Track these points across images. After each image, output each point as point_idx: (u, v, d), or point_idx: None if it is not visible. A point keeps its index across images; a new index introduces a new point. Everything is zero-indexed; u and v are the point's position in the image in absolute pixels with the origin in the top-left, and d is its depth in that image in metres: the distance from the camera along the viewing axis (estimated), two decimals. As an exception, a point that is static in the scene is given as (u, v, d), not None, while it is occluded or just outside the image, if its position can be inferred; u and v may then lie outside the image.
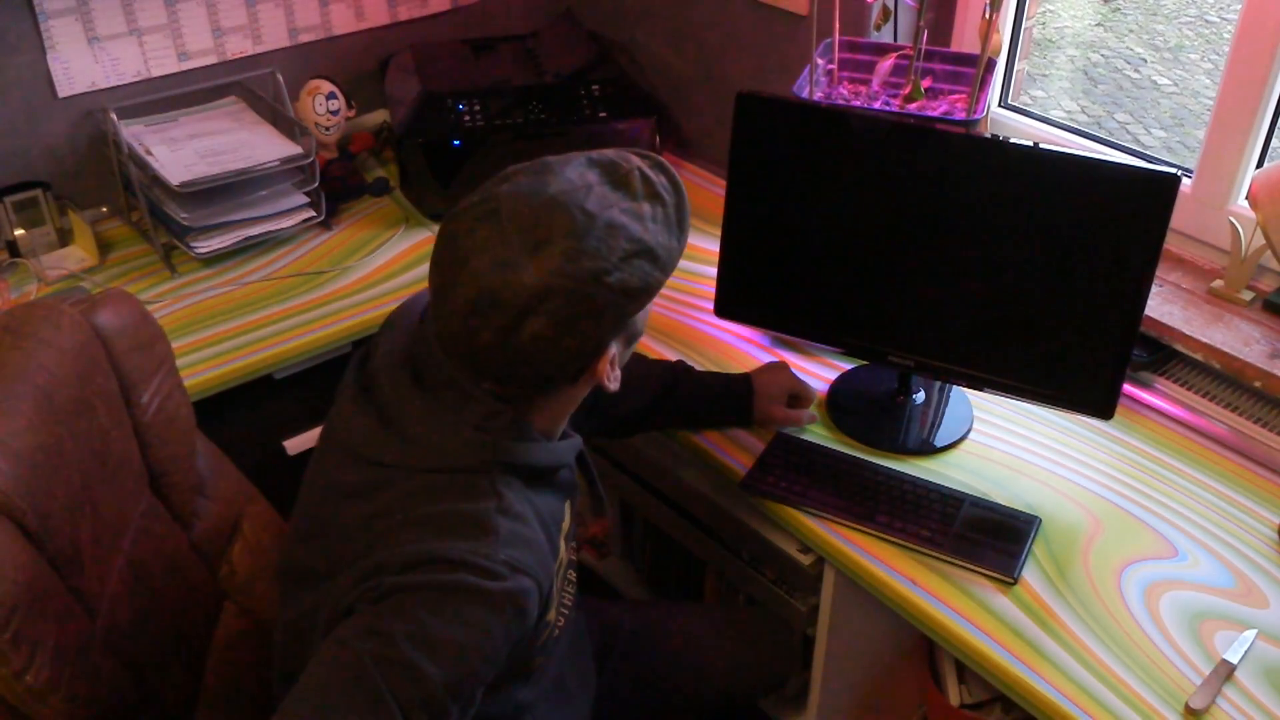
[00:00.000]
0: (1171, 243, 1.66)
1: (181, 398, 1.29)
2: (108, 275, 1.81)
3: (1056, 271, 1.36)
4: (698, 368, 1.56)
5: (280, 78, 1.97)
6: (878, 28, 1.80)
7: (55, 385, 1.09)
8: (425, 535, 0.99)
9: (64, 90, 1.88)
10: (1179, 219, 1.65)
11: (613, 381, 1.09)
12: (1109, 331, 1.36)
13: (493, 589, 0.98)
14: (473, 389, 1.05)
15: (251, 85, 2.04)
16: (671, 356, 1.66)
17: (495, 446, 1.04)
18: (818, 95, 1.69)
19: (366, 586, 0.98)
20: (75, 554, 1.07)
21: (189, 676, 1.24)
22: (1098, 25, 5.64)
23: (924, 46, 1.67)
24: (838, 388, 1.61)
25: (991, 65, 1.65)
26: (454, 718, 0.98)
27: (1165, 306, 1.57)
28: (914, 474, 1.45)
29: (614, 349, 1.07)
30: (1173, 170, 1.27)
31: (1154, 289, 1.53)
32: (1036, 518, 1.38)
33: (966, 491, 1.42)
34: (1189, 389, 1.57)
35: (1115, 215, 1.31)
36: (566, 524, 1.17)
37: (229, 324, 1.71)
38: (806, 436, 1.52)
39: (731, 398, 1.52)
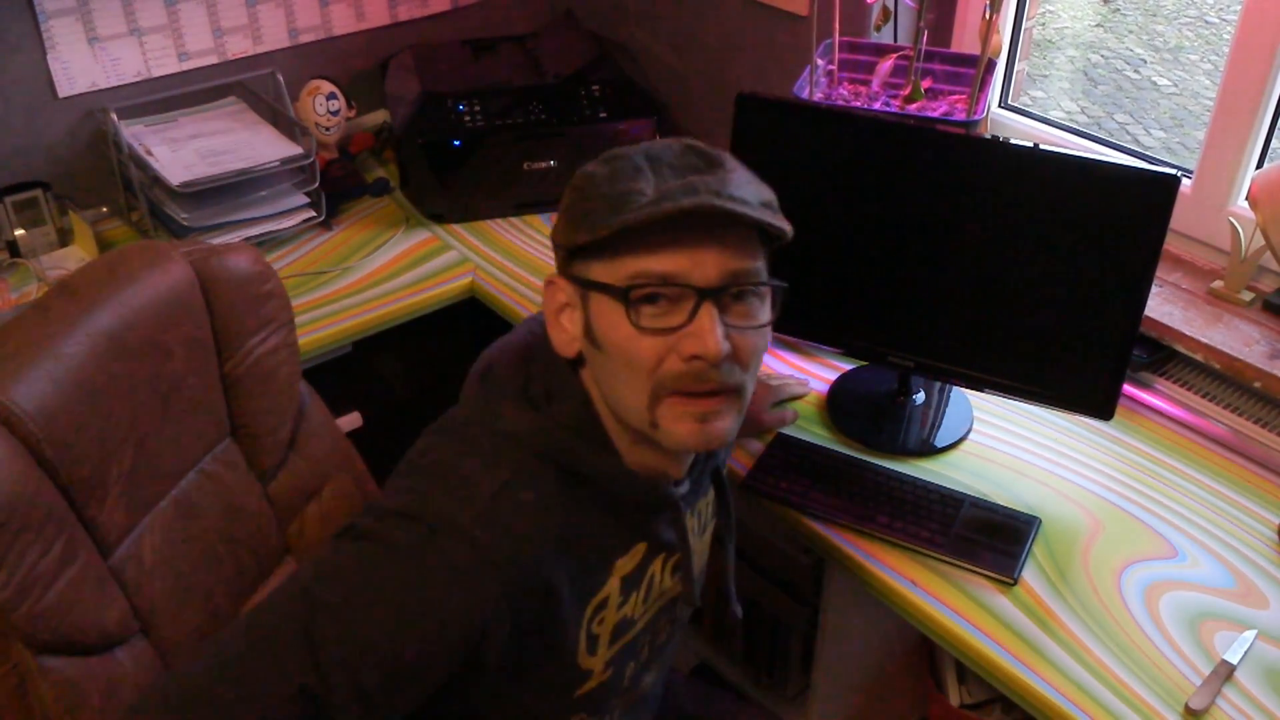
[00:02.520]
0: (1171, 243, 1.66)
1: (287, 355, 1.31)
2: (108, 275, 1.81)
3: (1056, 272, 1.36)
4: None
5: (280, 78, 1.97)
6: (878, 28, 1.80)
7: (129, 324, 1.13)
8: (416, 485, 0.96)
9: (64, 90, 1.88)
10: (1179, 220, 1.65)
11: (558, 336, 0.99)
12: (1109, 332, 1.36)
13: (432, 560, 0.91)
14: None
15: (252, 85, 2.04)
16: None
17: (546, 430, 0.97)
18: (818, 96, 1.69)
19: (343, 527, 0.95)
20: (99, 486, 1.09)
21: (207, 617, 1.24)
22: (1097, 26, 5.65)
23: (924, 47, 1.67)
24: (837, 389, 1.61)
25: (991, 66, 1.65)
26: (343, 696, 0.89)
27: (1165, 307, 1.57)
28: (914, 475, 1.45)
29: (564, 296, 0.98)
30: (1172, 171, 1.27)
31: (1154, 289, 1.53)
32: (1036, 518, 1.38)
33: (966, 492, 1.42)
34: (1189, 389, 1.57)
35: (1115, 216, 1.31)
36: (635, 569, 1.05)
37: (229, 324, 1.71)
38: (807, 438, 1.52)
39: None
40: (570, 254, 0.97)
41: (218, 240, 1.81)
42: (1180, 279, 1.64)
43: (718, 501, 1.17)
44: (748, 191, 0.93)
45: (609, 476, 0.99)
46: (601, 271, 0.94)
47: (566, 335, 0.98)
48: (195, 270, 1.20)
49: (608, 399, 0.98)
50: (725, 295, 0.93)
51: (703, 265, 0.91)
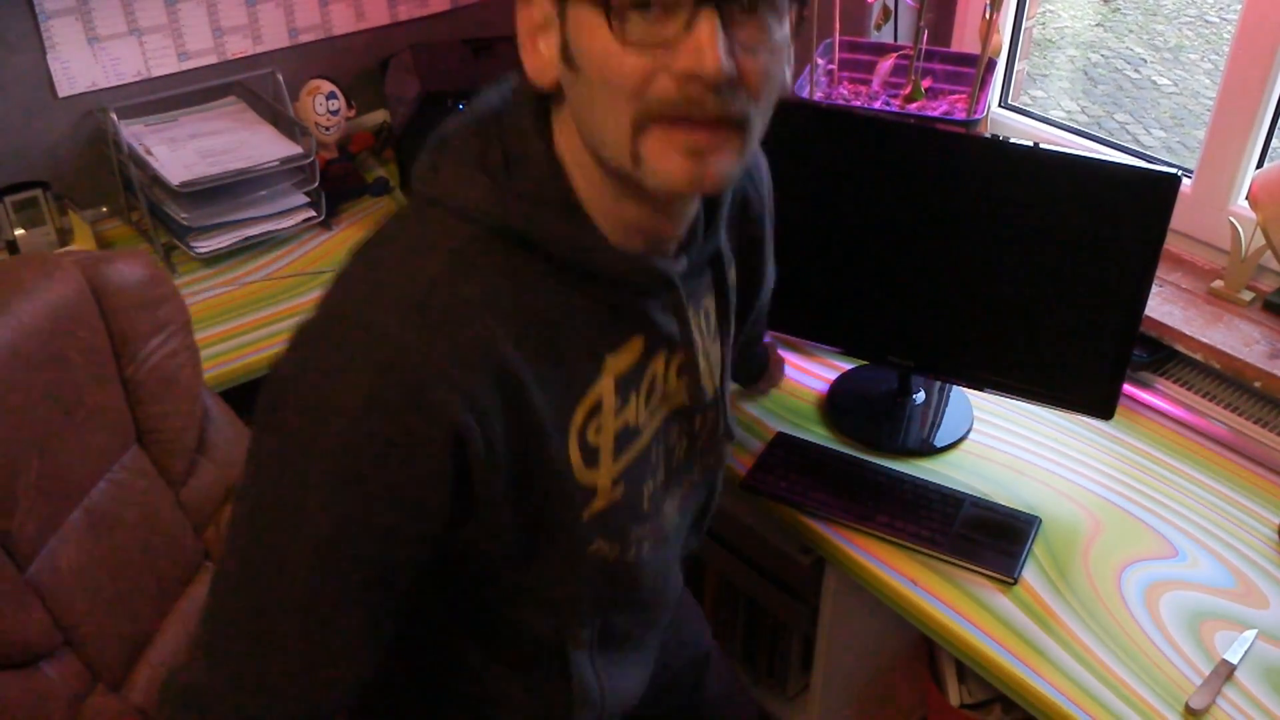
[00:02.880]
0: (1171, 243, 1.66)
1: (187, 358, 1.30)
2: (108, 275, 1.81)
3: (1056, 271, 1.36)
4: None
5: (280, 78, 1.97)
6: (878, 28, 1.80)
7: (24, 335, 1.12)
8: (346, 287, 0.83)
9: (64, 90, 1.88)
10: (1179, 219, 1.64)
11: (532, 63, 0.83)
12: (1109, 332, 1.36)
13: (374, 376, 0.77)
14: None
15: (251, 85, 2.04)
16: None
17: (500, 198, 0.82)
18: (818, 95, 1.69)
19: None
20: (8, 498, 1.09)
21: (132, 627, 1.24)
22: (1098, 25, 5.65)
23: (924, 47, 1.67)
24: (837, 388, 1.61)
25: (991, 65, 1.65)
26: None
27: (1165, 307, 1.57)
28: (914, 474, 1.45)
29: (539, 15, 0.82)
30: (1172, 170, 1.27)
31: (1154, 289, 1.53)
32: (1036, 518, 1.38)
33: (967, 491, 1.42)
34: (1189, 389, 1.57)
35: (1115, 215, 1.31)
36: (624, 362, 0.90)
37: (229, 324, 1.70)
38: (806, 437, 1.52)
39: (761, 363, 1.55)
40: None
41: (218, 239, 1.81)
42: (1180, 278, 1.64)
43: (717, 298, 1.02)
44: None
45: (581, 247, 0.84)
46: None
47: (541, 61, 0.83)
48: (86, 278, 1.19)
49: (587, 137, 0.82)
50: (733, 4, 0.75)
51: None
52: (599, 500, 0.92)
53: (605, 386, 0.89)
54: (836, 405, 1.58)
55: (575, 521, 0.91)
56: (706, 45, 0.73)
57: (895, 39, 1.82)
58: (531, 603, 0.97)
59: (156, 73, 1.96)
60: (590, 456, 0.89)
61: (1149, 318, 1.55)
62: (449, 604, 1.00)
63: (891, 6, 1.77)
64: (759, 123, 0.81)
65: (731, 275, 1.04)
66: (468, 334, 0.79)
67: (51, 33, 1.83)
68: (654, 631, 1.14)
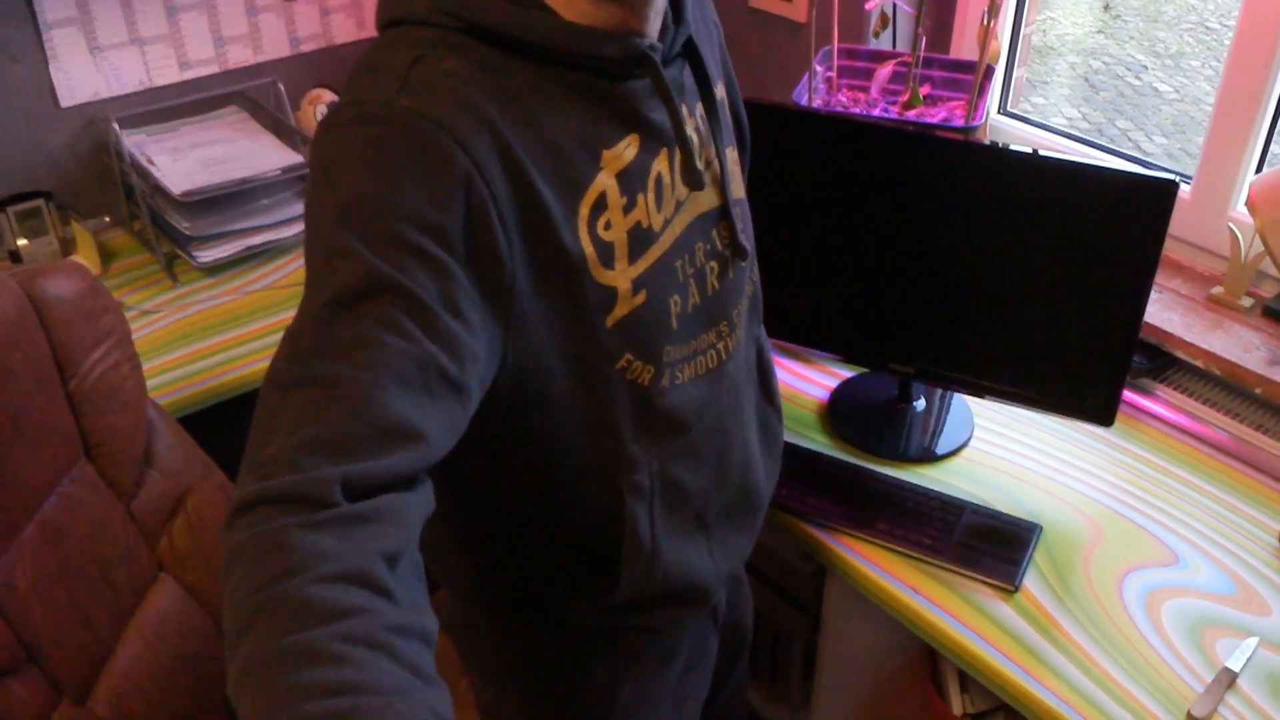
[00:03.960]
0: (1171, 249, 1.66)
1: (130, 370, 1.30)
2: (110, 285, 1.81)
3: (1056, 278, 1.36)
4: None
5: (281, 87, 1.98)
6: (876, 35, 1.80)
7: None
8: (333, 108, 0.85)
9: (66, 100, 1.89)
10: (1178, 225, 1.65)
11: None
12: (1109, 338, 1.35)
13: (379, 124, 0.80)
14: None
15: (253, 94, 2.04)
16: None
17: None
18: (817, 102, 1.69)
19: None
20: None
21: (92, 640, 1.24)
22: (1098, 32, 5.65)
23: (922, 54, 1.67)
24: (838, 395, 1.61)
25: (990, 72, 1.65)
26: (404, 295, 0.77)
27: (1165, 313, 1.57)
28: (915, 482, 1.45)
29: None
30: (1170, 176, 1.27)
31: (1153, 295, 1.53)
32: (1037, 525, 1.38)
33: (967, 499, 1.42)
34: (1189, 395, 1.57)
35: (1114, 222, 1.31)
36: (622, 158, 0.91)
37: (230, 333, 1.71)
38: (807, 444, 1.52)
39: None
40: None
41: (219, 249, 1.82)
42: (1180, 285, 1.64)
43: (696, 82, 1.00)
44: None
45: (546, 31, 0.85)
46: None
47: None
48: (25, 292, 1.19)
49: None
50: None
51: None
52: (620, 305, 0.92)
53: (606, 182, 0.90)
54: (837, 413, 1.58)
55: (599, 327, 0.91)
56: None
57: (894, 46, 1.82)
58: (578, 431, 0.96)
59: (158, 82, 1.97)
60: (604, 253, 0.90)
61: (1148, 324, 1.55)
62: (508, 469, 0.98)
63: (890, 14, 1.78)
64: None
65: (720, 91, 1.05)
66: (456, 96, 0.81)
67: (53, 42, 1.84)
68: (725, 519, 1.11)
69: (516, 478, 1.01)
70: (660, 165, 0.94)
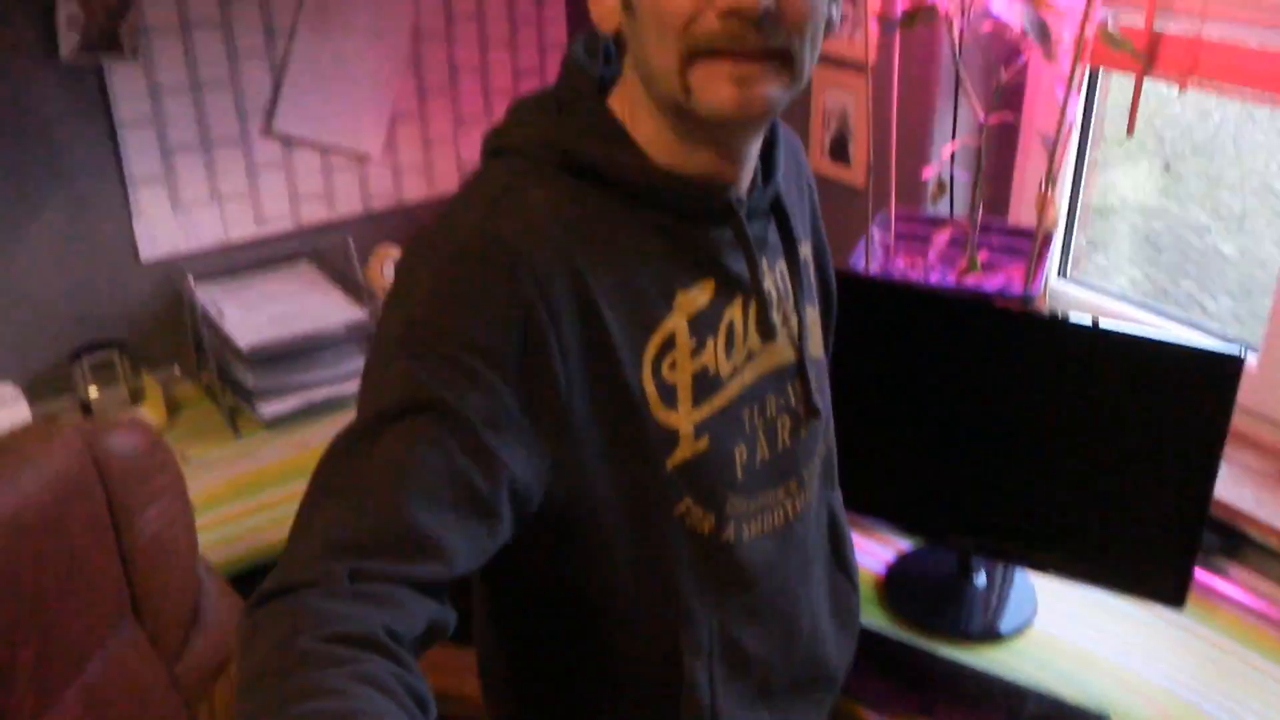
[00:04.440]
0: (1239, 420, 1.62)
1: (183, 529, 1.31)
2: (173, 435, 1.84)
3: (1120, 452, 1.33)
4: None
5: (351, 243, 2.04)
6: (934, 200, 1.82)
7: (27, 505, 1.13)
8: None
9: (146, 254, 1.96)
10: (1247, 396, 1.61)
11: (597, 9, 0.90)
12: (1178, 515, 1.31)
13: (449, 244, 0.85)
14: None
15: (323, 250, 2.11)
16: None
17: (550, 128, 0.90)
18: (874, 267, 1.70)
19: None
20: (8, 673, 1.08)
21: None
22: (1160, 193, 5.67)
23: (980, 220, 1.68)
24: (896, 570, 1.56)
25: (1048, 240, 1.66)
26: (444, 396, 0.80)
27: (1236, 489, 1.52)
28: (975, 663, 1.39)
29: None
30: (1234, 350, 1.25)
31: (1223, 470, 1.48)
32: (1105, 715, 1.31)
33: (1031, 684, 1.36)
34: (1266, 577, 1.50)
35: (1179, 394, 1.28)
36: (696, 301, 0.93)
37: (287, 488, 1.72)
38: (864, 621, 1.47)
39: None
40: None
41: (282, 403, 1.85)
42: (1250, 458, 1.59)
43: (781, 239, 1.01)
44: None
45: (636, 173, 0.89)
46: None
47: (604, 9, 0.89)
48: (87, 447, 1.21)
49: (644, 76, 0.88)
50: None
51: None
52: (682, 448, 0.92)
53: (678, 323, 0.92)
54: (894, 587, 1.53)
55: (659, 468, 0.92)
56: None
57: (951, 212, 1.83)
58: (629, 572, 0.95)
59: (234, 237, 2.04)
60: (667, 394, 0.91)
61: (1219, 500, 1.50)
62: (560, 612, 0.97)
63: (947, 180, 1.80)
64: (804, 55, 0.86)
65: (805, 250, 1.07)
66: (537, 226, 0.86)
67: (139, 199, 1.92)
68: (792, 693, 1.08)
69: (569, 618, 0.99)
70: (734, 313, 0.96)
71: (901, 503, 1.50)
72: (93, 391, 1.85)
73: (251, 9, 1.93)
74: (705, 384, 0.94)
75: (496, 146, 0.93)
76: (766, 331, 0.98)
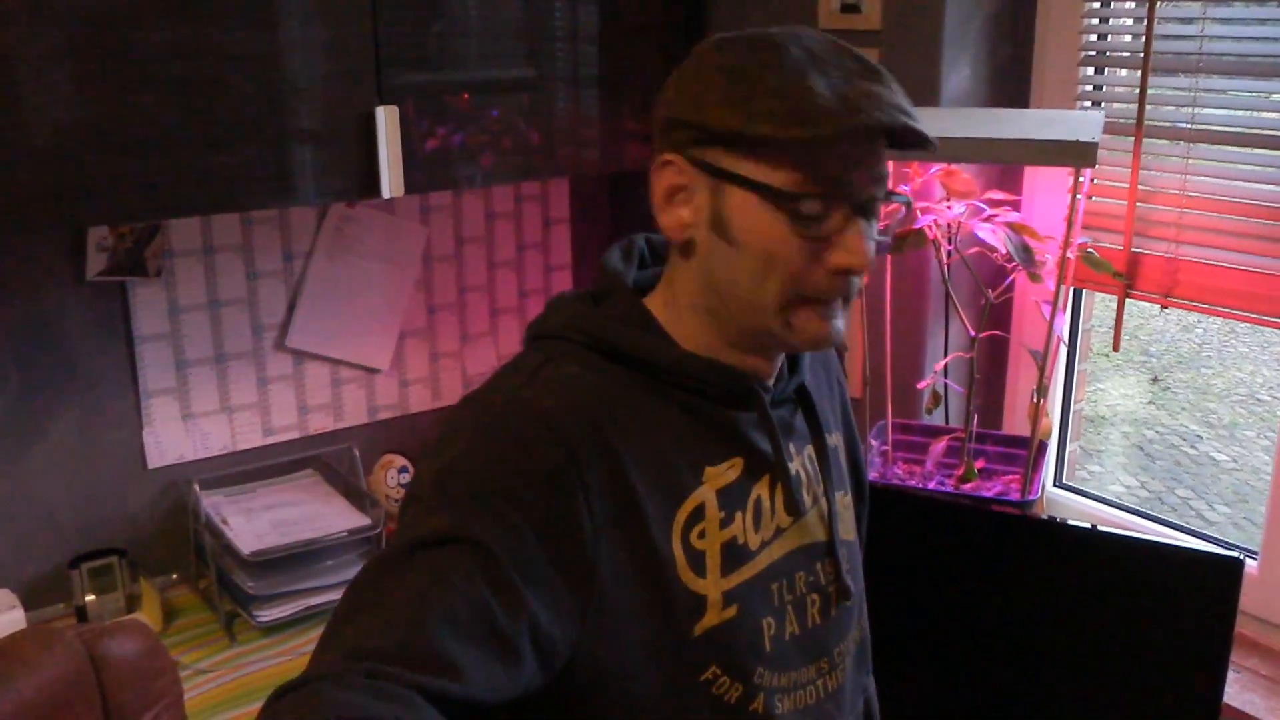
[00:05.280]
0: (1244, 626, 1.61)
1: None
2: (168, 642, 1.82)
3: (1126, 659, 1.32)
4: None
5: (356, 452, 2.07)
6: (929, 411, 1.87)
7: (23, 710, 1.11)
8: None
9: (154, 462, 1.99)
10: (1250, 601, 1.61)
11: (669, 220, 0.94)
12: (1189, 724, 1.29)
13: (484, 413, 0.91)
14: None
15: (328, 458, 2.14)
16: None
17: (585, 315, 0.97)
18: (872, 475, 1.73)
19: None
20: None
21: None
22: (1149, 403, 5.76)
23: (975, 429, 1.72)
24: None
25: (1043, 448, 1.69)
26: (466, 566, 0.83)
27: (1245, 695, 1.50)
28: None
29: (683, 180, 0.93)
30: (1234, 554, 1.26)
31: (1231, 675, 1.47)
32: None
33: None
34: (1285, 788, 1.47)
35: (1181, 600, 1.29)
36: (724, 477, 0.97)
37: (282, 696, 1.69)
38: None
39: None
40: (705, 137, 0.91)
41: (279, 609, 1.84)
42: (1258, 664, 1.57)
43: (808, 426, 1.05)
44: (909, 103, 0.91)
45: (663, 357, 0.95)
46: (753, 168, 0.89)
47: (679, 220, 0.94)
48: (87, 651, 1.21)
49: (726, 295, 0.94)
50: (870, 210, 0.92)
51: (860, 176, 0.90)
52: (710, 615, 0.94)
53: (706, 495, 0.95)
54: (905, 798, 1.49)
55: (686, 633, 0.93)
56: (860, 248, 0.90)
57: (946, 421, 1.88)
58: None
59: (241, 446, 2.08)
60: (695, 560, 0.93)
61: (1229, 706, 1.47)
62: None
63: (941, 391, 1.85)
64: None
65: (835, 439, 1.10)
66: (571, 396, 0.91)
67: (150, 410, 1.97)
68: None
69: None
70: (761, 490, 0.99)
71: (897, 707, 1.47)
72: (89, 598, 1.84)
73: (272, 234, 2.03)
74: (734, 554, 0.96)
75: (536, 333, 0.99)
76: (794, 509, 1.01)
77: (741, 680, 0.96)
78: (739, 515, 0.97)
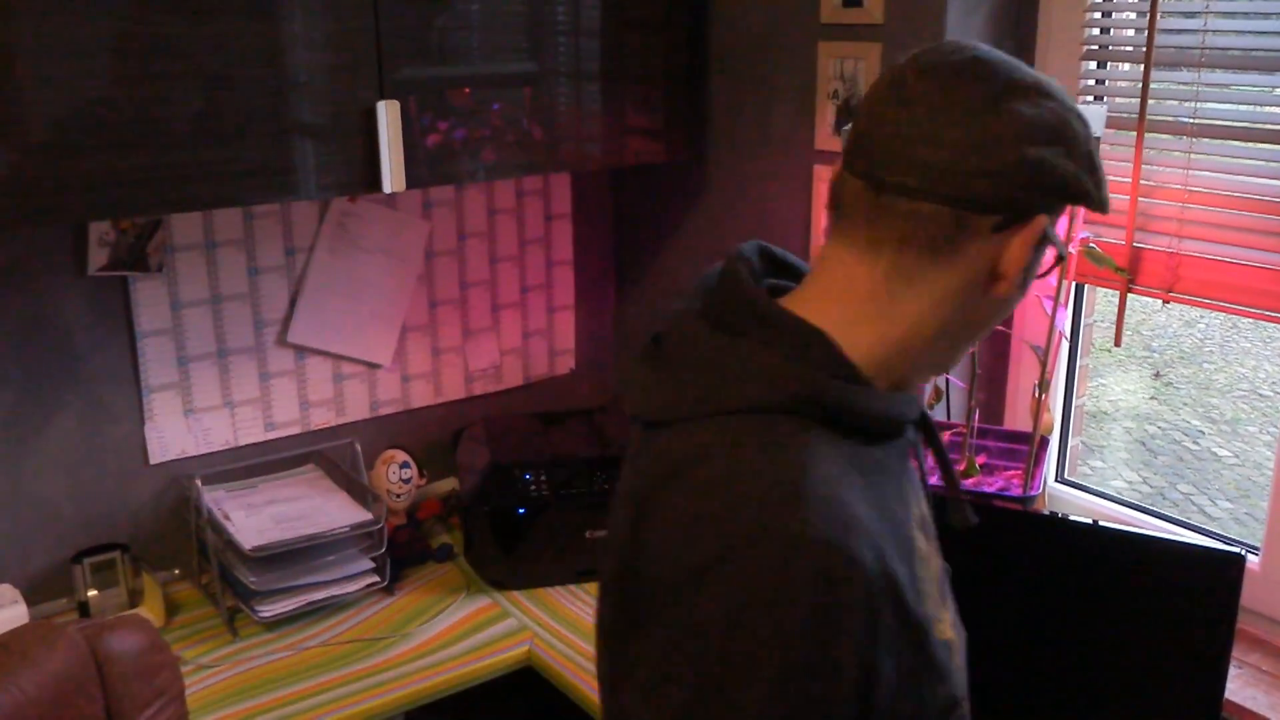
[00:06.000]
0: (1246, 622, 1.61)
1: None
2: (170, 637, 1.82)
3: (1128, 653, 1.32)
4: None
5: (358, 447, 2.07)
6: (930, 407, 1.87)
7: (25, 705, 1.12)
8: (703, 515, 0.80)
9: (156, 458, 1.99)
10: (1251, 597, 1.61)
11: (1010, 283, 0.87)
12: (1190, 719, 1.29)
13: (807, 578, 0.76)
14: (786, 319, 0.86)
15: (330, 454, 2.14)
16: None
17: (809, 379, 0.83)
18: (874, 470, 1.73)
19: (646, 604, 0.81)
20: None
21: None
22: (1151, 399, 5.76)
23: (977, 424, 1.72)
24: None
25: (1045, 443, 1.69)
26: None
27: (1247, 690, 1.50)
28: None
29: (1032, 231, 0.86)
30: (1235, 549, 1.26)
31: (1233, 671, 1.47)
32: None
33: None
34: (1287, 784, 1.47)
35: (1182, 595, 1.29)
36: (918, 511, 0.92)
37: (284, 690, 1.69)
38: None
39: None
40: (1062, 201, 0.88)
41: (282, 604, 1.84)
42: (1260, 660, 1.57)
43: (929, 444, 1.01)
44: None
45: (876, 410, 0.86)
46: (1054, 230, 0.89)
47: (1010, 281, 0.89)
48: (89, 646, 1.22)
49: (957, 336, 0.90)
50: None
51: None
52: (955, 653, 0.91)
53: (917, 536, 0.90)
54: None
55: (952, 672, 0.89)
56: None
57: (948, 417, 1.88)
58: None
59: (243, 441, 2.08)
60: (935, 609, 0.89)
61: (1231, 702, 1.47)
62: None
63: (943, 387, 1.85)
64: None
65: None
66: (847, 513, 0.79)
67: (152, 405, 1.97)
68: None
69: None
70: (921, 500, 0.97)
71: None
72: (92, 593, 1.84)
73: (274, 228, 2.03)
74: (940, 585, 0.93)
75: (750, 404, 0.84)
76: (961, 519, 1.03)
77: (970, 700, 0.95)
78: (922, 537, 0.93)
